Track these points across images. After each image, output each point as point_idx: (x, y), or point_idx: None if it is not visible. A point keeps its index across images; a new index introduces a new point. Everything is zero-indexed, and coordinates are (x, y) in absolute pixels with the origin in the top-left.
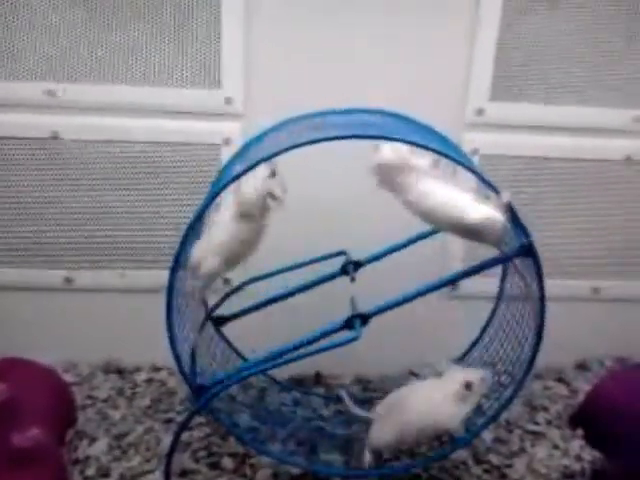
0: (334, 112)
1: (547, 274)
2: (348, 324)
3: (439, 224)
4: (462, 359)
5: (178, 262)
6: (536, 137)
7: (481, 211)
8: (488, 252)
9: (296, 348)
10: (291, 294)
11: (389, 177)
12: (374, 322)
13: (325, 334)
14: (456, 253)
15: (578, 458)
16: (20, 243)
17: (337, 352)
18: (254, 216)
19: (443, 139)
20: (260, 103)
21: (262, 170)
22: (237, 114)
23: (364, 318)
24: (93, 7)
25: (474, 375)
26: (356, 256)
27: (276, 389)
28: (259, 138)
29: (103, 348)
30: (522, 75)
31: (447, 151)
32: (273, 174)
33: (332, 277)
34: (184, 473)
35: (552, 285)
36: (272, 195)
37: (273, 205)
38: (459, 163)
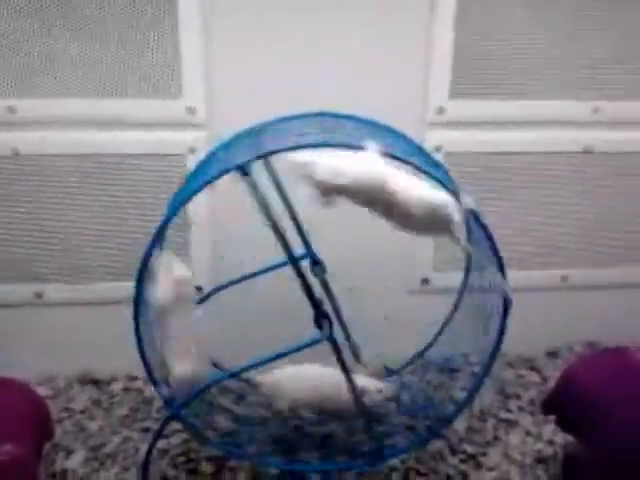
0: (300, 116)
1: (516, 265)
2: (319, 325)
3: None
4: (428, 350)
5: (143, 273)
6: (497, 132)
7: (442, 195)
8: (456, 253)
9: (271, 360)
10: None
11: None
12: (347, 320)
13: (298, 349)
14: (426, 245)
15: (551, 442)
16: None
17: (310, 349)
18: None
19: (407, 140)
20: (223, 111)
21: None
22: (200, 123)
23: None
24: (49, 21)
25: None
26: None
27: (254, 392)
28: (222, 148)
29: (78, 360)
30: (480, 72)
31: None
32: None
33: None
34: None
35: (522, 275)
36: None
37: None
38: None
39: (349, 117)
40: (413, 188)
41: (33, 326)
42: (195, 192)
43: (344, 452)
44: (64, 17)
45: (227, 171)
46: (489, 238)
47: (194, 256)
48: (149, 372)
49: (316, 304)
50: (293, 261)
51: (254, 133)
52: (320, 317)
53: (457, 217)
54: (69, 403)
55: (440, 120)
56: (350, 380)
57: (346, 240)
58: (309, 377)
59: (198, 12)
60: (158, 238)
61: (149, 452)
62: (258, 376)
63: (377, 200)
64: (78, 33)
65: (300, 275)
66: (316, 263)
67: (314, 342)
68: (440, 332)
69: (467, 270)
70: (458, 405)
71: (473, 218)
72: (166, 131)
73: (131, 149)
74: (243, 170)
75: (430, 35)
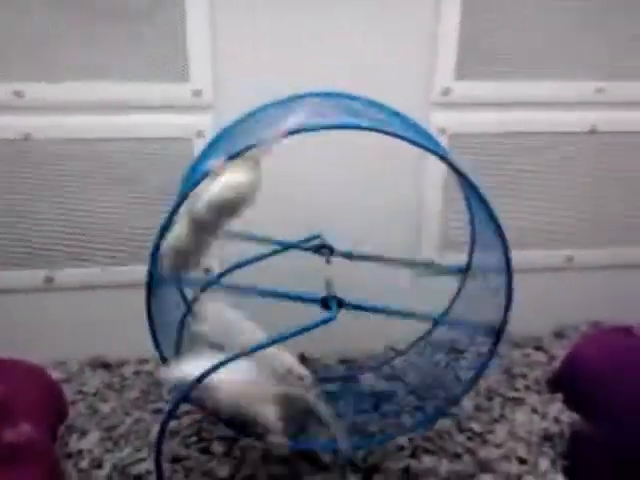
0: (309, 95)
1: (521, 245)
2: (324, 304)
3: None
4: (433, 330)
5: (155, 257)
6: (502, 113)
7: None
8: (463, 227)
9: (278, 340)
10: (268, 255)
11: None
12: (354, 300)
13: (304, 331)
14: (430, 236)
15: (557, 420)
16: None
17: (320, 333)
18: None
19: (414, 125)
20: (230, 93)
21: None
22: (207, 106)
23: (340, 303)
24: (57, 4)
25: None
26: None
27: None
28: (229, 130)
29: (89, 344)
30: (486, 53)
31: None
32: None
33: (306, 249)
34: (176, 459)
35: (527, 255)
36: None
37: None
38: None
39: (355, 98)
40: None
41: (44, 311)
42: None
43: (353, 430)
44: (72, 2)
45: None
46: (493, 218)
47: None
48: (162, 356)
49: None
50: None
51: (260, 114)
52: (329, 298)
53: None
54: (82, 386)
55: (445, 101)
56: None
57: (353, 221)
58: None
59: None
60: (169, 221)
61: (162, 432)
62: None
63: None
64: (85, 16)
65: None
66: (324, 246)
67: (323, 322)
68: (446, 312)
69: (471, 251)
70: (465, 385)
71: (477, 198)
72: (173, 114)
73: (139, 133)
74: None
75: (436, 15)
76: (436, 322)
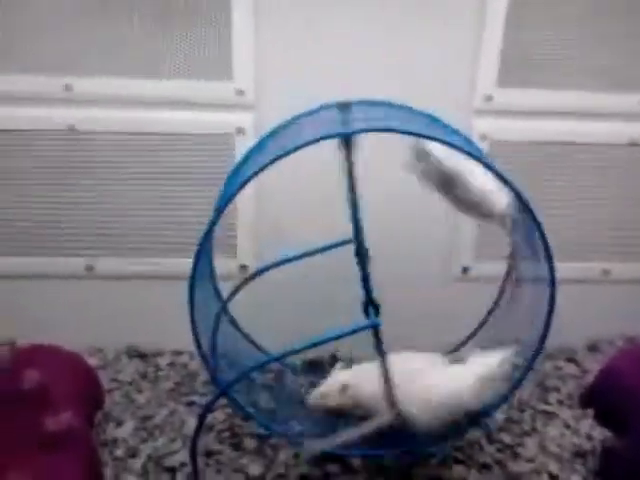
0: (353, 103)
1: (558, 257)
2: (366, 312)
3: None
4: (470, 339)
5: (200, 252)
6: (544, 122)
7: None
8: (498, 238)
9: (317, 344)
10: (305, 255)
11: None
12: (388, 305)
13: (346, 334)
14: (466, 238)
15: (589, 437)
16: (41, 233)
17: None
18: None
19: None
20: (272, 94)
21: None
22: (249, 105)
23: (375, 306)
24: (105, 4)
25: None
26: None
27: (293, 372)
28: (274, 132)
29: (126, 333)
30: (529, 61)
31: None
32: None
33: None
34: (209, 453)
35: (563, 268)
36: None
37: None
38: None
39: (400, 106)
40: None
41: (84, 298)
42: (265, 166)
43: (383, 435)
44: (120, 0)
45: (330, 137)
46: (539, 228)
47: (239, 235)
48: (202, 354)
49: (369, 290)
50: (360, 244)
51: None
52: (370, 304)
53: (502, 206)
54: (117, 375)
55: (487, 108)
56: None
57: (385, 227)
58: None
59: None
60: (217, 217)
61: (198, 428)
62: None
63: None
64: (134, 16)
65: (362, 260)
66: (362, 248)
67: (362, 328)
68: (483, 323)
69: (511, 260)
70: (499, 397)
71: (523, 207)
72: (216, 111)
73: (183, 128)
74: (347, 139)
75: (481, 23)
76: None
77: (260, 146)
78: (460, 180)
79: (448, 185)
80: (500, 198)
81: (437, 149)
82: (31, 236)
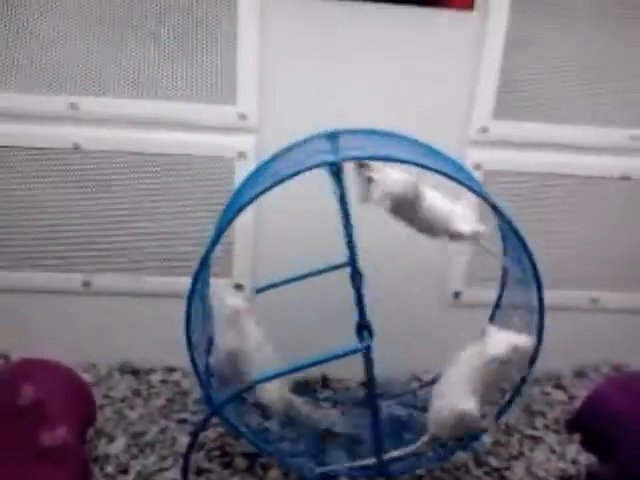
0: (345, 132)
1: (547, 284)
2: (360, 334)
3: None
4: None
5: (199, 273)
6: (538, 154)
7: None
8: (490, 263)
9: (308, 366)
10: (301, 278)
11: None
12: (379, 327)
13: (337, 357)
14: (459, 262)
15: (574, 462)
16: (41, 249)
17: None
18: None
19: (449, 160)
20: (273, 120)
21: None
22: (251, 129)
23: (369, 329)
24: (111, 25)
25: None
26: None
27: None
28: (267, 163)
29: (119, 349)
30: (525, 94)
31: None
32: None
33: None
34: (199, 472)
35: (552, 295)
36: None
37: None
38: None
39: (397, 136)
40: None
41: (79, 314)
42: (265, 190)
43: (372, 455)
44: (127, 23)
45: (319, 166)
46: (529, 257)
47: (236, 254)
48: (197, 372)
49: (363, 313)
50: (354, 268)
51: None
52: (363, 327)
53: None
54: (110, 391)
55: (483, 139)
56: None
57: (378, 250)
58: None
59: (256, 22)
60: (217, 238)
61: (191, 446)
62: None
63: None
64: (140, 37)
65: (356, 284)
66: (357, 272)
67: (353, 351)
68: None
69: (502, 286)
70: (488, 420)
71: (513, 234)
72: (218, 134)
73: (184, 150)
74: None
75: (478, 55)
76: None
77: (259, 171)
78: (420, 203)
79: (406, 209)
80: (467, 217)
81: (391, 175)
82: (31, 252)
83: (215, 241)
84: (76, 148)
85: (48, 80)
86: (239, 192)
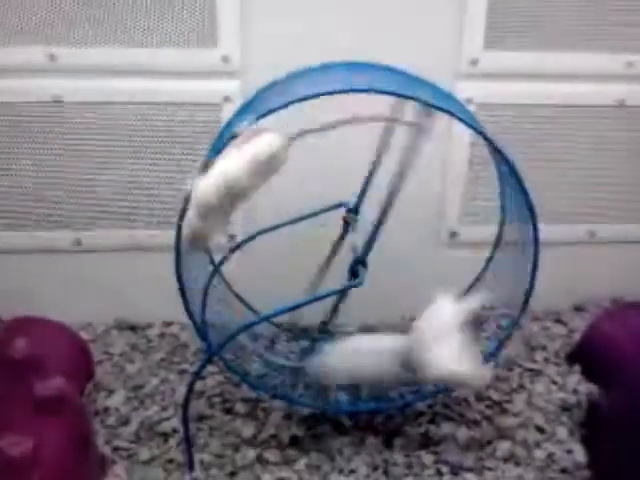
0: (337, 65)
1: (543, 219)
2: (353, 273)
3: None
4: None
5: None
6: (530, 85)
7: None
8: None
9: (299, 306)
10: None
11: None
12: (376, 270)
13: (332, 294)
14: (454, 202)
15: (575, 392)
16: (28, 207)
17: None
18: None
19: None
20: (258, 61)
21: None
22: (235, 72)
23: (363, 263)
24: None
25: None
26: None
27: (284, 338)
28: (259, 94)
29: (115, 307)
30: (515, 24)
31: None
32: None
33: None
34: (200, 418)
35: (549, 230)
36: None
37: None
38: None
39: (385, 68)
40: None
41: (72, 272)
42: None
43: (373, 395)
44: None
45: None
46: (522, 188)
47: None
48: (190, 314)
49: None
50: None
51: (290, 80)
52: (357, 264)
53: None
54: (108, 347)
55: (473, 71)
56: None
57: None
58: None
59: None
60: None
61: (189, 391)
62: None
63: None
64: None
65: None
66: (352, 210)
67: (347, 288)
68: (471, 286)
69: (501, 224)
70: (486, 355)
71: (509, 170)
72: (201, 80)
73: (167, 97)
74: None
75: None
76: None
77: (245, 109)
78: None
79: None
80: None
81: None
82: (18, 211)
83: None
84: (57, 101)
85: (24, 32)
86: (223, 133)
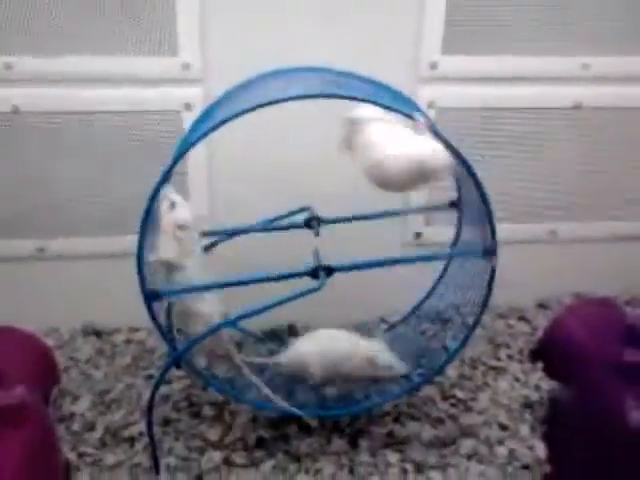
0: (301, 70)
1: (506, 219)
2: (314, 274)
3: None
4: (425, 301)
5: (145, 224)
6: (489, 88)
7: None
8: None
9: (264, 310)
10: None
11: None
12: (342, 272)
13: (288, 277)
14: (419, 203)
15: (537, 388)
16: None
17: (309, 304)
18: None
19: (400, 96)
20: (219, 67)
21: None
22: (196, 79)
23: (330, 270)
24: None
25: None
26: (322, 214)
27: (251, 342)
28: (219, 102)
29: (81, 313)
30: (473, 27)
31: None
32: (172, 205)
33: (296, 227)
34: (166, 422)
35: (511, 229)
36: (180, 226)
37: (183, 235)
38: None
39: (348, 74)
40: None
41: (36, 280)
42: (212, 129)
43: (339, 396)
44: None
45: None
46: (480, 190)
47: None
48: (159, 328)
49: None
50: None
51: (251, 85)
52: (319, 269)
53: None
54: (74, 353)
55: (433, 75)
56: None
57: (340, 193)
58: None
59: None
60: (162, 182)
61: (153, 394)
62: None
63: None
64: None
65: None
66: (313, 218)
67: (310, 291)
68: (435, 286)
69: (459, 224)
70: (450, 354)
71: (466, 170)
72: (162, 87)
73: (127, 106)
74: None
75: None
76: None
77: (206, 116)
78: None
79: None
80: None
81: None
82: None
83: (163, 180)
84: (15, 111)
85: None
86: (185, 139)
